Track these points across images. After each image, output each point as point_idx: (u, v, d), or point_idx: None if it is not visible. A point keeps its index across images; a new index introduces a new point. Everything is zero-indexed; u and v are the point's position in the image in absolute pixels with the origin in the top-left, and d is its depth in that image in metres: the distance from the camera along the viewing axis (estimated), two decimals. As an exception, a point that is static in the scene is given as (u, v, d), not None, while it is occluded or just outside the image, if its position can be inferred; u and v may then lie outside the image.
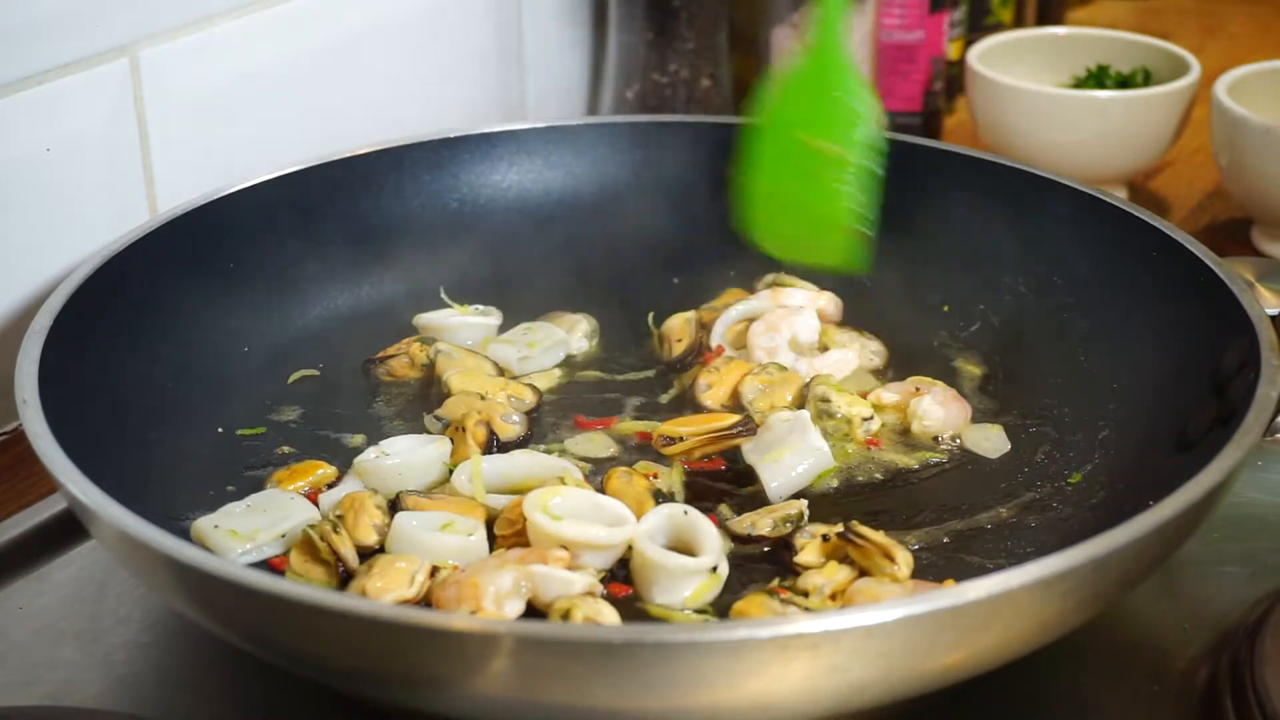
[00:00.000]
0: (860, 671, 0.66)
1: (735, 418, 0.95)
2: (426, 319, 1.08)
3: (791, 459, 0.92)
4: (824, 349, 1.04)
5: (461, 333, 1.07)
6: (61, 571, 0.91)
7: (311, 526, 0.85)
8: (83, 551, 0.92)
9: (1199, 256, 0.95)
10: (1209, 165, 1.38)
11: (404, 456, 0.92)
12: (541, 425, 0.99)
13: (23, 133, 1.01)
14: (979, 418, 1.00)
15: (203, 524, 0.87)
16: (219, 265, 1.02)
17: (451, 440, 0.94)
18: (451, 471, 0.91)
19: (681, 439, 0.94)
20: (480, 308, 1.10)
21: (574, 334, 1.08)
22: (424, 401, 1.01)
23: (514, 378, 1.03)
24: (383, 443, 0.94)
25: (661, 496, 0.91)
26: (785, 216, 1.02)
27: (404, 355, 1.04)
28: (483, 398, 0.98)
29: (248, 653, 0.74)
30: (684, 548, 0.84)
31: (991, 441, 0.97)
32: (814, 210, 1.00)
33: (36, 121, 1.02)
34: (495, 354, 1.05)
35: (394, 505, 0.88)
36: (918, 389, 0.99)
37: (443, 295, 1.10)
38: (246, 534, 0.86)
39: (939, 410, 0.97)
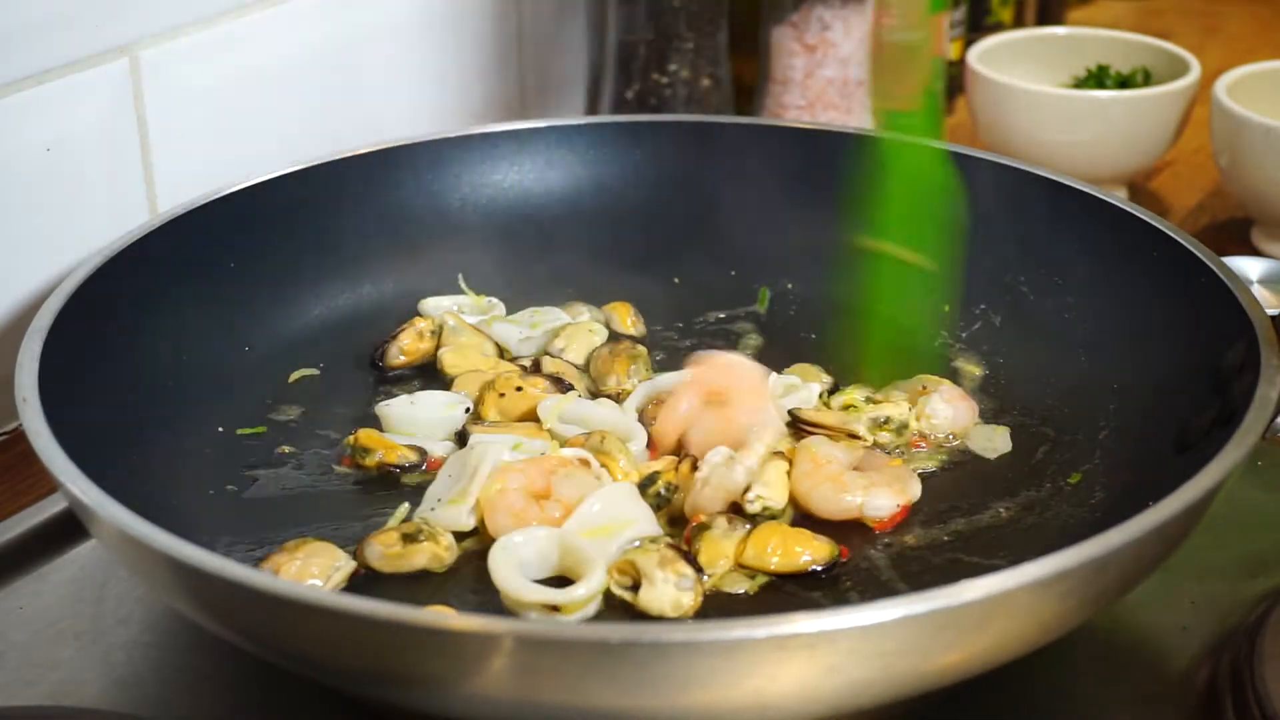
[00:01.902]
0: (857, 671, 0.66)
1: (826, 552, 0.86)
2: (432, 304, 1.09)
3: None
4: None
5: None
6: (61, 571, 0.91)
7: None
8: (83, 551, 0.92)
9: (1199, 256, 0.95)
10: (1209, 165, 1.38)
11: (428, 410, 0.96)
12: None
13: (23, 133, 1.01)
14: (980, 417, 0.99)
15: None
16: (219, 265, 1.02)
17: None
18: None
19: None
20: (491, 300, 1.11)
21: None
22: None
23: (513, 359, 1.04)
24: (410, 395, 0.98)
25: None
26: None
27: (411, 330, 1.05)
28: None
29: (248, 653, 0.74)
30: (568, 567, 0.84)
31: (993, 442, 0.97)
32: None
33: (36, 121, 1.02)
34: (498, 333, 1.06)
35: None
36: (924, 387, 0.99)
37: (460, 282, 1.11)
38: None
39: (947, 409, 0.97)
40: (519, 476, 0.88)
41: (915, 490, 0.91)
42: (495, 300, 1.11)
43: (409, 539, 0.84)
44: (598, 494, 0.87)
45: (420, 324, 1.05)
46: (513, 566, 0.82)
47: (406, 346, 1.04)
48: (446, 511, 0.87)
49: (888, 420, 0.96)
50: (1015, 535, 0.89)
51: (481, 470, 0.88)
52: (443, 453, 0.95)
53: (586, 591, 0.80)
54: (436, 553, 0.84)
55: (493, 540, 0.84)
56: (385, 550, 0.84)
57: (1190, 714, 0.80)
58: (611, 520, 0.86)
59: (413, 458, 0.94)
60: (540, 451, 0.91)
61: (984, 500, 0.92)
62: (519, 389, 0.97)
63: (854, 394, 0.99)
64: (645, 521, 0.87)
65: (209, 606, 0.73)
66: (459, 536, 0.87)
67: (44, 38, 1.01)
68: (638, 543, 0.85)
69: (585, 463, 0.90)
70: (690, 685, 0.65)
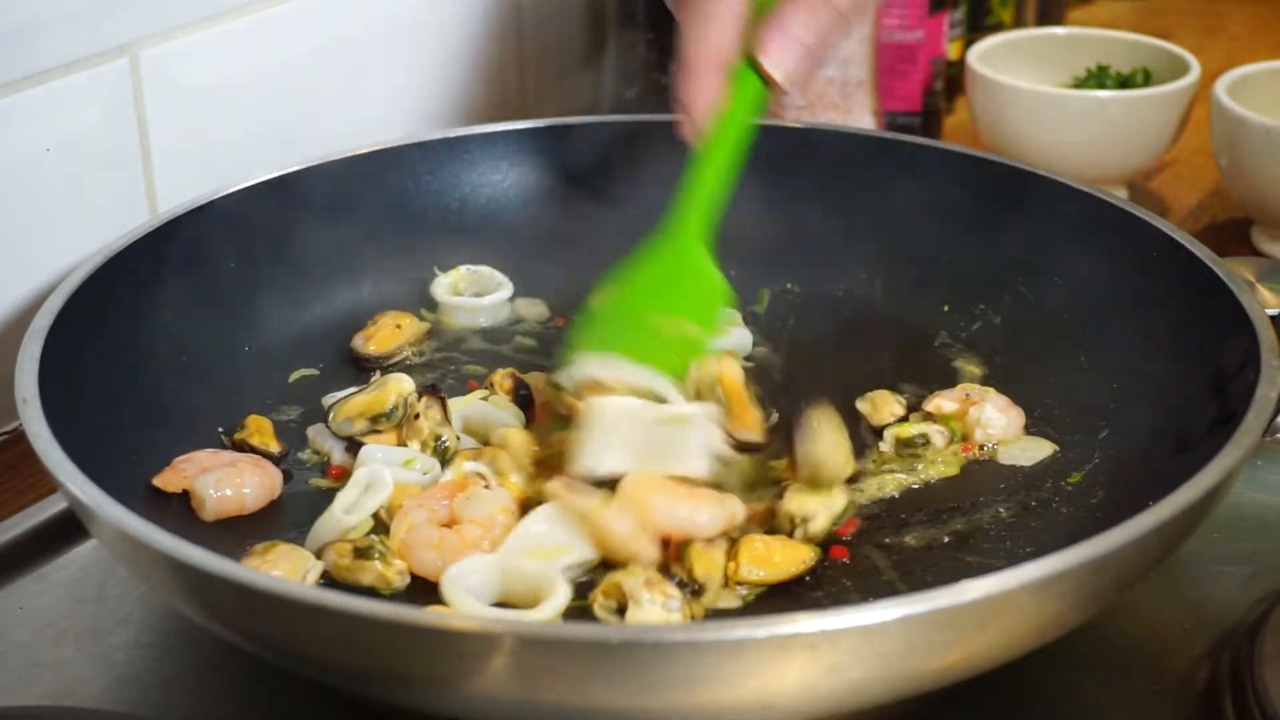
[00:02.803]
0: (858, 671, 0.66)
1: (812, 556, 0.86)
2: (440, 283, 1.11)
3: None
4: None
5: (461, 314, 1.09)
6: (61, 571, 0.91)
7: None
8: (83, 551, 0.92)
9: (1199, 256, 0.95)
10: (1209, 165, 1.39)
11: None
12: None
13: (23, 133, 1.01)
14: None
15: None
16: (219, 265, 1.02)
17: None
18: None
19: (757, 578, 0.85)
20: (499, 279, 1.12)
21: None
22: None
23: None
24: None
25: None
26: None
27: (387, 322, 1.06)
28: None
29: (248, 653, 0.74)
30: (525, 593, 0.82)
31: (1029, 452, 0.96)
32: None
33: (36, 121, 1.02)
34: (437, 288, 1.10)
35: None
36: (968, 395, 0.98)
37: (436, 271, 1.11)
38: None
39: (1001, 418, 0.97)
40: (421, 512, 0.86)
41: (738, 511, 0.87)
42: (503, 277, 1.12)
43: (360, 553, 0.84)
44: (533, 517, 0.85)
45: (395, 318, 1.06)
46: (469, 597, 0.81)
47: (378, 337, 1.05)
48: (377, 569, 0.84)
49: (914, 439, 0.96)
50: (1015, 535, 0.89)
51: (368, 504, 0.88)
52: (340, 459, 0.94)
53: (555, 609, 0.79)
54: (384, 574, 0.83)
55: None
56: (337, 559, 0.84)
57: (1190, 714, 0.80)
58: (550, 544, 0.84)
59: (275, 449, 0.94)
60: (426, 471, 0.90)
61: (984, 500, 0.92)
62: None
63: (910, 428, 0.97)
64: (582, 546, 0.84)
65: (209, 606, 0.73)
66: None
67: (44, 38, 1.01)
68: (571, 570, 0.83)
69: (482, 477, 0.88)
70: (691, 685, 0.65)
